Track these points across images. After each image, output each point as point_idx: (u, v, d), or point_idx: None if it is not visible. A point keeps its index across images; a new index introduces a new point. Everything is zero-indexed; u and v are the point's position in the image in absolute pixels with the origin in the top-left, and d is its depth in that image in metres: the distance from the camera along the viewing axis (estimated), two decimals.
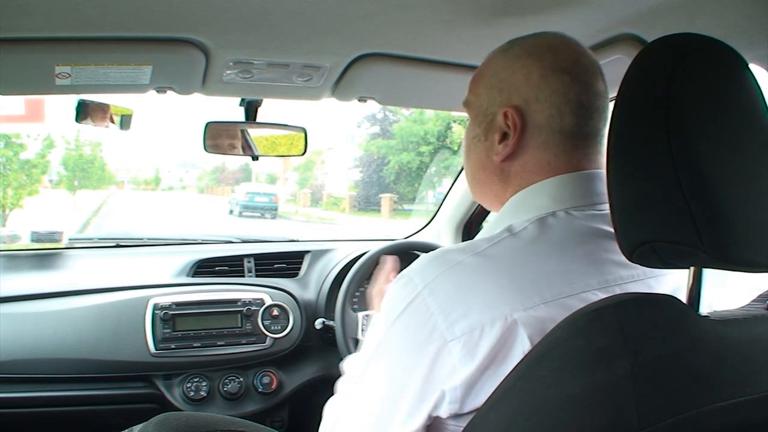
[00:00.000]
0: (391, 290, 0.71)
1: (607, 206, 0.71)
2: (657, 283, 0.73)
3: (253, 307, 1.66)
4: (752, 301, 0.72)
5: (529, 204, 0.75)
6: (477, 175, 0.83)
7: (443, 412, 0.66)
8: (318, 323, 1.70)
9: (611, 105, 0.75)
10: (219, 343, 1.61)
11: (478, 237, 0.75)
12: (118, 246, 1.94)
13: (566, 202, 0.73)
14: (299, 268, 1.88)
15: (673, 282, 0.74)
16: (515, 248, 0.69)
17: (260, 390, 1.64)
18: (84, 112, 1.38)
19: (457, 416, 0.66)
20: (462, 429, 0.66)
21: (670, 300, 0.60)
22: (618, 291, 0.69)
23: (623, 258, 0.62)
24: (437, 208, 2.19)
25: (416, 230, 2.25)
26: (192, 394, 1.57)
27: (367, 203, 21.45)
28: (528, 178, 0.76)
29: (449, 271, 0.67)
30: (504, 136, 0.76)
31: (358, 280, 1.65)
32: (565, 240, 0.70)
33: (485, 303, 0.64)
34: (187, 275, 1.76)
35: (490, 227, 0.77)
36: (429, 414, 0.66)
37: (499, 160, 0.77)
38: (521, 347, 0.63)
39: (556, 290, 0.66)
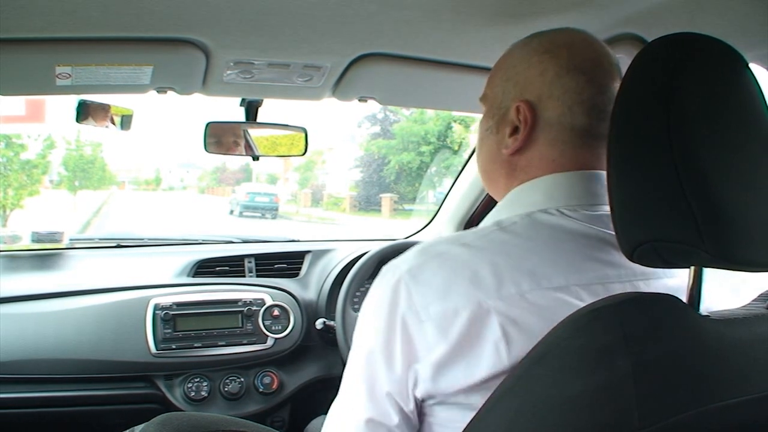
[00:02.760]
0: (379, 278, 0.73)
1: (603, 207, 0.71)
2: (646, 285, 0.72)
3: (254, 307, 1.66)
4: (753, 300, 0.72)
5: (522, 200, 0.76)
6: (487, 167, 0.84)
7: (419, 392, 0.68)
8: (319, 323, 1.70)
9: None
10: (220, 344, 1.61)
11: (470, 231, 0.75)
12: (118, 246, 1.94)
13: (560, 201, 0.73)
14: (300, 268, 1.88)
15: (665, 285, 0.73)
16: (500, 241, 0.70)
17: (261, 390, 1.64)
18: (84, 112, 1.38)
19: (432, 399, 0.68)
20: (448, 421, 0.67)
21: (670, 299, 0.60)
22: (601, 290, 0.69)
23: (612, 257, 0.63)
24: (438, 208, 2.19)
25: (417, 230, 2.25)
26: (193, 394, 1.57)
27: (367, 203, 21.45)
28: (531, 173, 0.77)
29: (432, 259, 0.69)
30: (515, 130, 0.77)
31: (358, 280, 1.65)
32: (552, 236, 0.70)
33: (463, 289, 0.66)
34: (188, 275, 1.76)
35: (483, 221, 0.78)
36: (412, 394, 0.68)
37: (508, 153, 0.78)
38: (492, 335, 0.64)
39: (533, 283, 0.66)
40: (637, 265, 0.69)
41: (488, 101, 0.83)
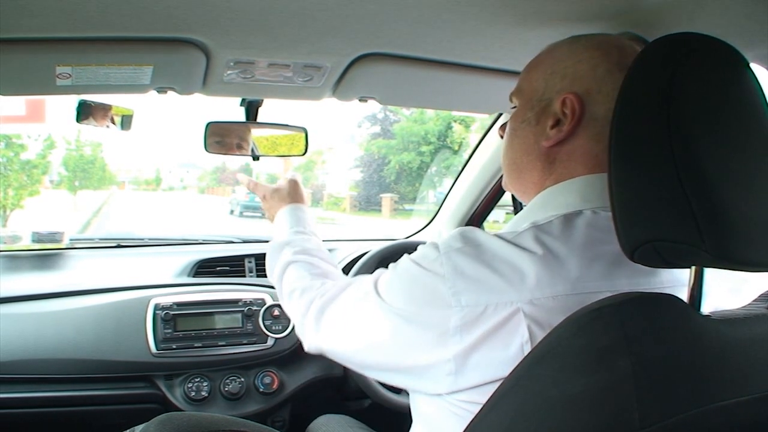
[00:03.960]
0: (419, 249, 0.75)
1: None
2: (674, 293, 0.73)
3: (254, 307, 1.66)
4: (753, 300, 0.72)
5: (557, 201, 0.76)
6: (519, 160, 0.83)
7: (443, 387, 0.68)
8: None
9: None
10: (220, 344, 1.61)
11: (503, 230, 0.76)
12: (119, 246, 1.94)
13: (594, 202, 0.73)
14: None
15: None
16: (537, 239, 0.69)
17: (261, 390, 1.64)
18: (85, 112, 1.38)
19: (455, 393, 0.68)
20: (464, 413, 0.67)
21: (671, 299, 0.60)
22: None
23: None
24: (438, 208, 2.19)
25: (417, 230, 2.25)
26: (193, 394, 1.57)
27: (367, 203, 21.46)
28: (572, 167, 0.77)
29: (471, 246, 0.69)
30: (557, 123, 0.77)
31: None
32: (588, 239, 0.70)
33: (496, 285, 0.66)
34: (188, 275, 1.76)
35: (515, 222, 0.78)
36: (430, 371, 0.70)
37: (549, 145, 0.77)
38: (519, 337, 0.65)
39: (568, 286, 0.66)
40: (666, 273, 0.71)
41: (524, 95, 0.83)
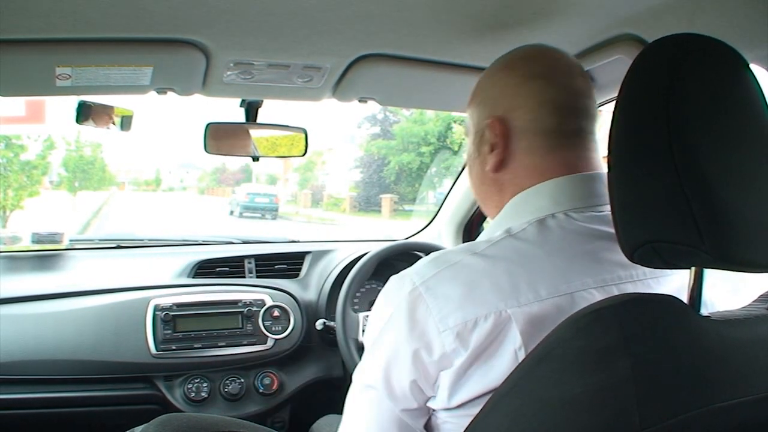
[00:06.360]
0: (388, 288, 0.73)
1: (606, 207, 0.71)
2: (657, 284, 0.74)
3: (254, 308, 1.66)
4: (753, 301, 0.72)
5: (529, 206, 0.76)
6: (478, 189, 0.87)
7: (436, 403, 0.69)
8: (319, 324, 1.70)
9: (596, 104, 0.78)
10: (220, 344, 1.61)
11: (478, 239, 0.76)
12: (118, 247, 1.94)
13: (565, 204, 0.74)
14: (300, 269, 1.88)
15: (674, 284, 0.75)
16: (514, 248, 0.70)
17: (261, 391, 1.64)
18: (84, 113, 1.38)
19: (446, 410, 0.68)
20: (456, 427, 0.67)
21: (670, 300, 0.60)
22: (615, 291, 0.70)
23: (623, 258, 0.62)
24: (438, 209, 2.19)
25: (417, 231, 2.25)
26: (193, 395, 1.57)
27: (367, 204, 21.46)
28: (520, 183, 0.78)
29: (447, 269, 0.69)
30: (493, 148, 0.79)
31: (358, 280, 1.65)
32: (564, 241, 0.71)
33: (481, 298, 0.66)
34: (188, 276, 1.76)
35: (489, 229, 0.79)
36: (426, 404, 0.69)
37: (492, 170, 0.80)
38: (512, 343, 0.65)
39: (552, 288, 0.67)
40: None
41: (468, 132, 0.86)
